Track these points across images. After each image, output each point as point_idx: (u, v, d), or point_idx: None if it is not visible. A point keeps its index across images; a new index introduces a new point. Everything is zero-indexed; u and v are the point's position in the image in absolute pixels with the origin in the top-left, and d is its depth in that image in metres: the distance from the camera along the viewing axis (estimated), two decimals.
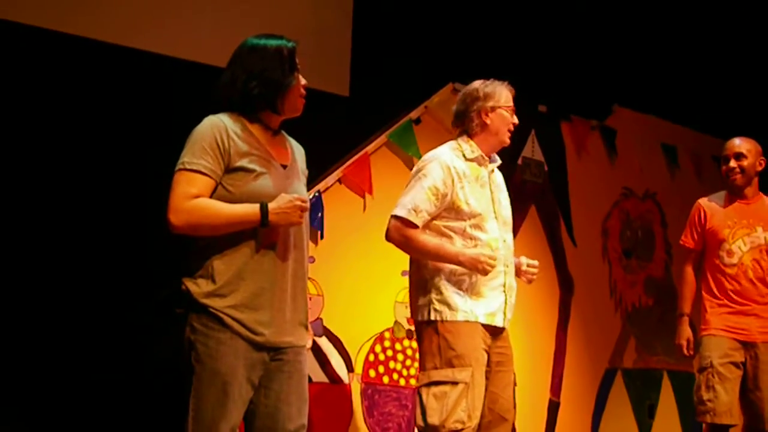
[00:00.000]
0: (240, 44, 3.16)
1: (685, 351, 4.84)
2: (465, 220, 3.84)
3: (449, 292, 3.80)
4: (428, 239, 3.82)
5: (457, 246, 3.82)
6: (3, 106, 4.46)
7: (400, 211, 3.82)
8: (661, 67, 6.85)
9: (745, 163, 4.82)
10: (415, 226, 3.79)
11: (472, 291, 3.82)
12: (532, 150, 6.09)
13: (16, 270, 4.41)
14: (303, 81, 3.17)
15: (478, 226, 3.85)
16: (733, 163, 4.83)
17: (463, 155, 3.93)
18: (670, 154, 6.99)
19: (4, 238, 4.40)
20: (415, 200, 3.80)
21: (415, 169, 3.96)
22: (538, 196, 6.14)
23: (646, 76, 6.79)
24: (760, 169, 4.88)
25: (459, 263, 3.78)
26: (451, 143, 4.00)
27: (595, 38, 6.56)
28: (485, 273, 3.78)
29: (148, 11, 4.99)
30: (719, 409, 4.63)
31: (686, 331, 4.85)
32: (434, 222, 3.82)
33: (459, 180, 3.84)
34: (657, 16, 6.75)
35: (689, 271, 4.95)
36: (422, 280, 3.87)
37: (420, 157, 5.16)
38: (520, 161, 5.99)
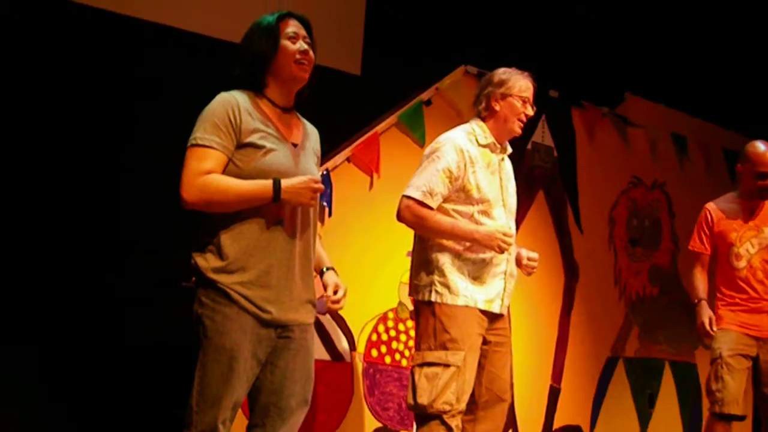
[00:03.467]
0: None
1: (708, 327, 4.81)
2: (473, 205, 3.84)
3: (452, 275, 3.81)
4: (443, 218, 3.82)
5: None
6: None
7: (413, 193, 3.82)
8: (674, 57, 6.81)
9: None
10: (430, 208, 3.80)
11: (474, 276, 3.83)
12: (542, 135, 6.06)
13: (19, 242, 4.41)
14: (297, 47, 3.14)
15: (485, 213, 3.85)
16: None
17: (477, 140, 3.92)
18: (680, 145, 6.97)
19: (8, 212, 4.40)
20: (429, 183, 3.80)
21: (428, 150, 3.94)
22: (546, 181, 6.12)
23: (658, 65, 6.76)
24: None
25: (473, 240, 3.79)
26: (465, 127, 3.99)
27: (608, 25, 6.53)
28: (500, 251, 3.79)
29: None
30: (727, 398, 4.68)
31: (707, 313, 4.84)
32: (443, 204, 3.83)
33: (471, 164, 3.84)
34: (671, 4, 6.71)
35: (700, 270, 4.95)
36: (426, 260, 3.88)
37: (424, 140, 5.20)
38: (529, 146, 5.97)
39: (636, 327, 6.65)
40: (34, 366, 4.38)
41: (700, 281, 4.94)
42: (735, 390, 4.69)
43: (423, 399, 3.74)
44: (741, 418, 4.78)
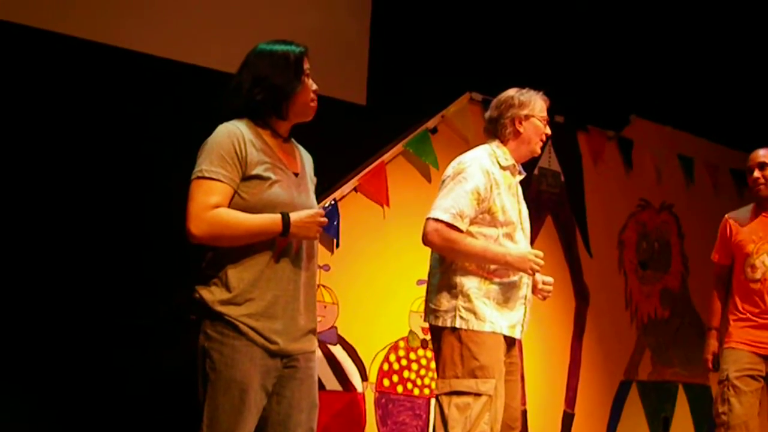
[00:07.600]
0: (250, 50, 3.17)
1: (709, 365, 4.86)
2: (498, 228, 3.78)
3: (478, 300, 3.72)
4: (474, 241, 3.72)
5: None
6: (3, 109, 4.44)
7: (442, 215, 3.69)
8: (680, 78, 6.82)
9: None
10: (460, 231, 3.71)
11: (499, 301, 3.77)
12: (549, 160, 6.07)
13: (24, 276, 4.39)
14: (313, 86, 3.17)
15: (509, 236, 3.80)
16: (757, 173, 4.82)
17: (498, 162, 3.88)
18: (686, 166, 6.97)
19: (12, 244, 4.39)
20: (458, 204, 3.70)
21: (452, 171, 3.84)
22: (554, 206, 6.12)
23: (664, 87, 6.77)
24: None
25: (505, 264, 3.73)
26: (486, 148, 3.93)
27: (612, 49, 6.54)
28: (533, 272, 3.75)
29: (166, 15, 4.98)
30: (732, 422, 4.63)
31: (712, 346, 4.87)
32: (468, 227, 3.76)
33: (496, 186, 3.79)
34: (676, 27, 6.73)
35: (717, 289, 4.96)
36: (449, 284, 3.77)
37: (437, 166, 5.20)
38: (536, 171, 5.97)
39: (648, 350, 6.62)
40: (43, 402, 4.38)
41: (716, 304, 4.93)
42: (742, 413, 4.63)
43: (456, 430, 3.64)
44: None
